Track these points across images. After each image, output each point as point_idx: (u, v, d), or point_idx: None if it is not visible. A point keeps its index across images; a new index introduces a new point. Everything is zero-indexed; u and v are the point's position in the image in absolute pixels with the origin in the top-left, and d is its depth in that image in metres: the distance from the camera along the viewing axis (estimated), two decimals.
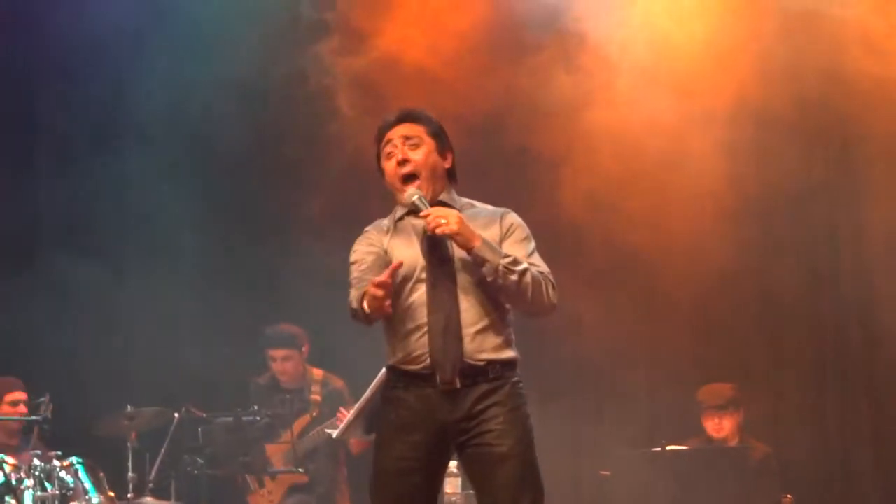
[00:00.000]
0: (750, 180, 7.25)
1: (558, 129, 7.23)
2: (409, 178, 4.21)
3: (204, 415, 7.24)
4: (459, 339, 4.07)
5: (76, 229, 8.22)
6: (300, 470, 7.22)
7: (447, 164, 4.29)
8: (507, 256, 4.07)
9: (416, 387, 4.10)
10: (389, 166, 4.24)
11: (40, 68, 8.30)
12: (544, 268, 4.18)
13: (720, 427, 6.77)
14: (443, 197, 4.24)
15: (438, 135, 4.28)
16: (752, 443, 6.73)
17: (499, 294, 4.10)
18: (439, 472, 4.22)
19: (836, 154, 7.42)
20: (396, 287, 4.08)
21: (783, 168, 7.23)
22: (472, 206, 4.30)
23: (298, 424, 7.41)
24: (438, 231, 4.05)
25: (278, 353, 7.54)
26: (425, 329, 4.09)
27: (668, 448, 6.44)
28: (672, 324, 7.40)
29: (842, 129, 7.34)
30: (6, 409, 7.33)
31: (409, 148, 4.22)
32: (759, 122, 7.17)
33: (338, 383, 7.46)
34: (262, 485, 7.49)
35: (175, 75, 7.84)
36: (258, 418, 7.21)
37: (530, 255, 4.18)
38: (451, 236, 4.06)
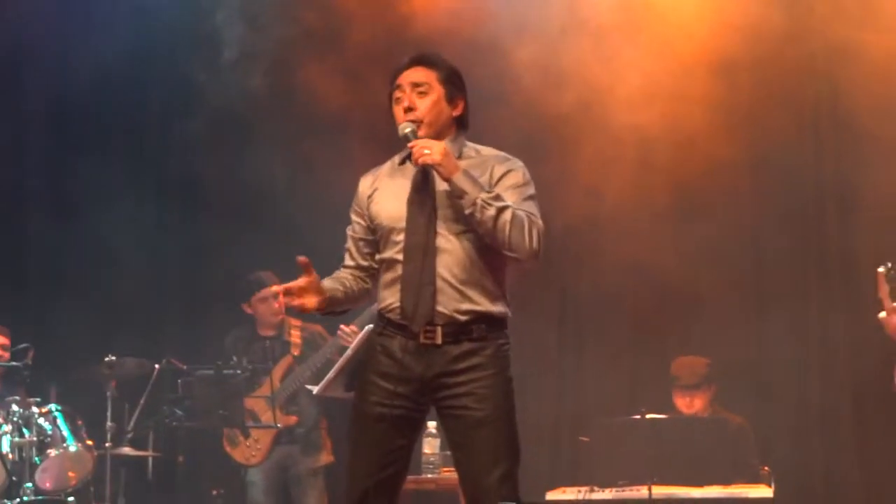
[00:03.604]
0: (739, 133, 7.20)
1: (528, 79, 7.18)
2: None
3: (185, 367, 7.22)
4: (432, 291, 4.04)
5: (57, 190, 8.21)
6: (279, 425, 7.21)
7: (456, 112, 4.25)
8: (489, 192, 4.04)
9: (400, 336, 4.10)
10: (397, 112, 4.22)
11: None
12: (535, 213, 4.11)
13: (691, 405, 6.77)
14: (447, 142, 4.17)
15: (450, 80, 4.23)
16: (725, 414, 6.73)
17: (478, 230, 4.04)
18: (417, 423, 4.20)
19: (823, 118, 7.39)
20: (381, 236, 4.15)
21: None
22: (479, 152, 4.23)
23: (280, 368, 7.38)
24: (421, 161, 4.05)
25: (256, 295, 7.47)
26: (400, 281, 4.09)
27: (648, 416, 6.44)
28: (655, 291, 7.36)
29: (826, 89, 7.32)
30: None
31: (416, 95, 4.19)
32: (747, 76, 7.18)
33: (316, 327, 7.44)
34: (247, 435, 7.47)
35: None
36: (239, 371, 7.17)
37: (523, 201, 4.11)
38: (434, 166, 4.04)
